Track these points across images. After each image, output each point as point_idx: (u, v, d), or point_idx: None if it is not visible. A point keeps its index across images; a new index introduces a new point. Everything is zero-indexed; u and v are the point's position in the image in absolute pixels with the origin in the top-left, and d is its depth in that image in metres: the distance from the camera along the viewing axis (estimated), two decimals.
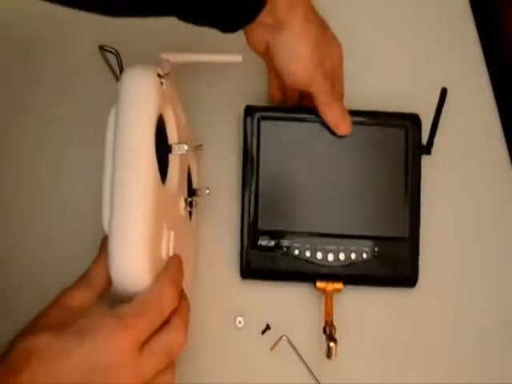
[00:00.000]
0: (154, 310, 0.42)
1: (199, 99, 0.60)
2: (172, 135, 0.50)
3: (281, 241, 0.56)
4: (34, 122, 0.62)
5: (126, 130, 0.43)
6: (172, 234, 0.47)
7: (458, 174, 0.62)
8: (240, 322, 0.56)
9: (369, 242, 0.56)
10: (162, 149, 0.47)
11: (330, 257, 0.56)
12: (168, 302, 0.43)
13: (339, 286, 0.55)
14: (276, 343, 0.55)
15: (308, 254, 0.56)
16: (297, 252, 0.56)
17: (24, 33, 0.65)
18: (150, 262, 0.42)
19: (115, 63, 0.50)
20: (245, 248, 0.56)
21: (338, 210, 0.57)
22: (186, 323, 0.44)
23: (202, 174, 0.59)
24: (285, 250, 0.56)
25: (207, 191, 0.55)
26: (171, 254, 0.47)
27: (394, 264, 0.56)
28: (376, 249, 0.56)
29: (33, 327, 0.41)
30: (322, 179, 0.57)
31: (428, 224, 0.58)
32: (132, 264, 0.42)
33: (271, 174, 0.57)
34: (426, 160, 0.59)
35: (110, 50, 0.50)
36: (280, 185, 0.57)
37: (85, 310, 0.42)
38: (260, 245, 0.56)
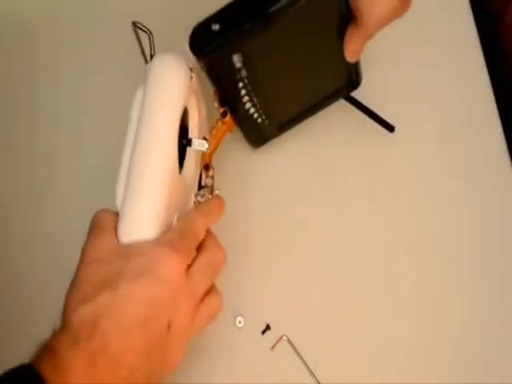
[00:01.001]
0: (191, 234, 0.44)
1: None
2: (193, 130, 0.51)
3: None
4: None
5: (153, 116, 0.44)
6: None
7: (459, 177, 0.62)
8: (240, 322, 0.56)
9: None
10: (182, 141, 0.48)
11: None
12: (200, 228, 0.45)
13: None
14: (276, 343, 0.55)
15: None
16: None
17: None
18: None
19: (146, 42, 0.49)
20: None
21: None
22: (218, 242, 0.47)
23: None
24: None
25: (217, 191, 0.55)
26: None
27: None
28: None
29: (83, 292, 0.41)
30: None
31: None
32: (141, 234, 0.42)
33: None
34: (429, 164, 0.61)
35: (143, 28, 0.48)
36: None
37: (116, 253, 0.42)
38: None
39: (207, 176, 0.54)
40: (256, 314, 0.56)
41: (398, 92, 0.64)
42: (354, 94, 0.62)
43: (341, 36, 0.52)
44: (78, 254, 0.44)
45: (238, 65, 0.49)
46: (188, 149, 0.50)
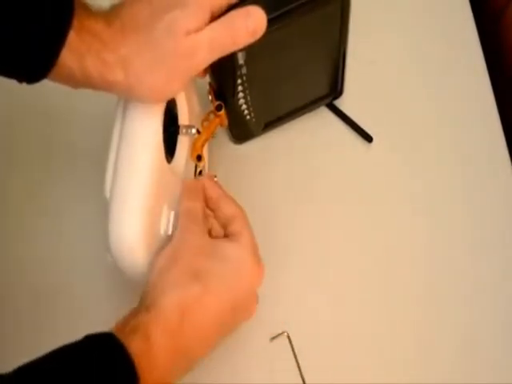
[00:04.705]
0: None
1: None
2: (183, 118, 0.51)
3: None
4: None
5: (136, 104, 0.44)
6: (172, 213, 0.48)
7: (458, 178, 0.62)
8: None
9: None
10: (170, 129, 0.49)
11: None
12: None
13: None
14: (277, 336, 0.55)
15: None
16: None
17: None
18: (146, 230, 0.44)
19: None
20: None
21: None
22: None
23: (211, 163, 0.60)
24: None
25: (215, 179, 0.56)
26: (170, 233, 0.48)
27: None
28: None
29: (175, 277, 0.44)
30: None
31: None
32: (128, 227, 0.43)
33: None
34: (429, 167, 0.61)
35: None
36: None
37: (208, 250, 0.46)
38: None
39: (198, 167, 0.55)
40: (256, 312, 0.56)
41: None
42: (337, 103, 0.64)
43: (331, 49, 0.56)
44: None
45: (241, 61, 0.50)
46: (179, 138, 0.51)
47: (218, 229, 0.49)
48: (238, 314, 0.47)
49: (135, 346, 0.38)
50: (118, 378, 0.37)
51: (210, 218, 0.50)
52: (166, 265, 0.45)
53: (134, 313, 0.42)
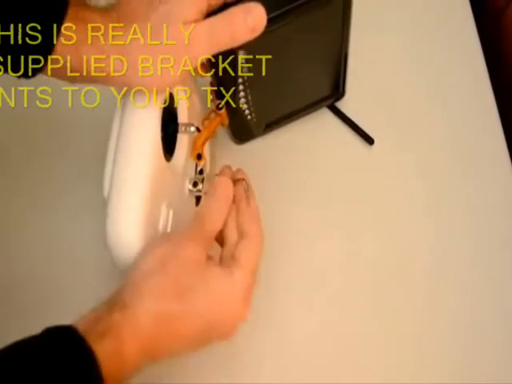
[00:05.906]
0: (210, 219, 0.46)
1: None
2: (182, 116, 0.51)
3: None
4: None
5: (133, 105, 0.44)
6: (171, 212, 0.48)
7: (459, 179, 0.62)
8: None
9: None
10: (172, 129, 0.49)
11: None
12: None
13: None
14: None
15: None
16: None
17: None
18: (144, 229, 0.43)
19: None
20: None
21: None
22: None
23: (212, 163, 0.60)
24: None
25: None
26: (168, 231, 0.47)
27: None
28: None
29: (162, 287, 0.42)
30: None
31: None
32: (126, 226, 0.43)
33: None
34: (430, 169, 0.61)
35: None
36: None
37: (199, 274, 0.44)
38: None
39: (199, 165, 0.55)
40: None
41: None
42: (338, 105, 0.64)
43: (332, 49, 0.56)
44: None
45: (242, 61, 0.50)
46: (178, 137, 0.50)
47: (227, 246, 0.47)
48: (213, 337, 0.45)
49: (105, 349, 0.38)
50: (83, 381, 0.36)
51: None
52: (152, 268, 0.43)
53: (107, 309, 0.41)
